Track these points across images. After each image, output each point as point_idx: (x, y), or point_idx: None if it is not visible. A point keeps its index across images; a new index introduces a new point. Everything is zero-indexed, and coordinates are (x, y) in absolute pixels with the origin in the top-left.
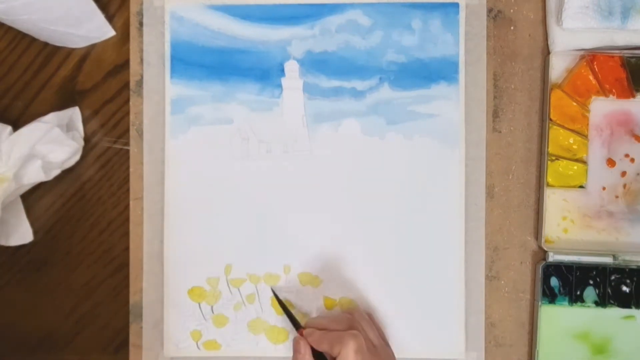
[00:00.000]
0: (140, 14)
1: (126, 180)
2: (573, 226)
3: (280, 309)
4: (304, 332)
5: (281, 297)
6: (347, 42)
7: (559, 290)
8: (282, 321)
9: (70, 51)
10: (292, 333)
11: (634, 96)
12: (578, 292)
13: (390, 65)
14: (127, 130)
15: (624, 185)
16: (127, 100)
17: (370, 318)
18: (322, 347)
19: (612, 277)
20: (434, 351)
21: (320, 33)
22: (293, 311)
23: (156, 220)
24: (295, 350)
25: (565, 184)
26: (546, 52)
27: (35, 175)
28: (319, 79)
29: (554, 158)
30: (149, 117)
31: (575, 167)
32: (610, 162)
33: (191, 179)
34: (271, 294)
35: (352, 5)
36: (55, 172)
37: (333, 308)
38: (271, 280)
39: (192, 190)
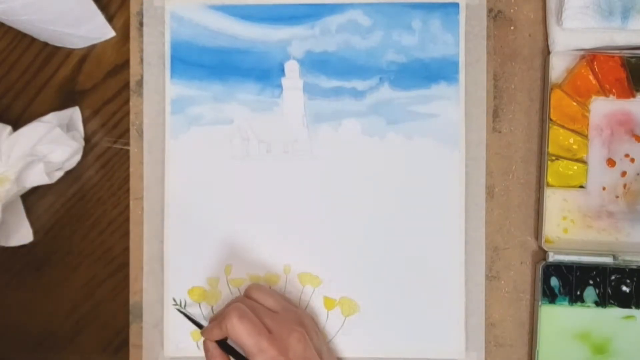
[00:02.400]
0: (140, 14)
1: (126, 180)
2: (573, 226)
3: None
4: (201, 332)
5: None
6: (347, 42)
7: (559, 290)
8: None
9: (70, 51)
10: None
11: (634, 96)
12: (578, 292)
13: (390, 65)
14: (127, 130)
15: (624, 185)
16: (127, 100)
17: (268, 287)
18: (216, 334)
19: (612, 277)
20: (434, 351)
21: (321, 33)
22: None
23: (156, 220)
24: (205, 350)
25: (565, 184)
26: (546, 52)
27: (38, 178)
28: (319, 79)
29: (554, 158)
30: (149, 117)
31: (576, 167)
32: (611, 162)
33: (191, 179)
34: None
35: (352, 5)
36: (59, 174)
37: (333, 308)
38: (271, 280)
39: (192, 190)
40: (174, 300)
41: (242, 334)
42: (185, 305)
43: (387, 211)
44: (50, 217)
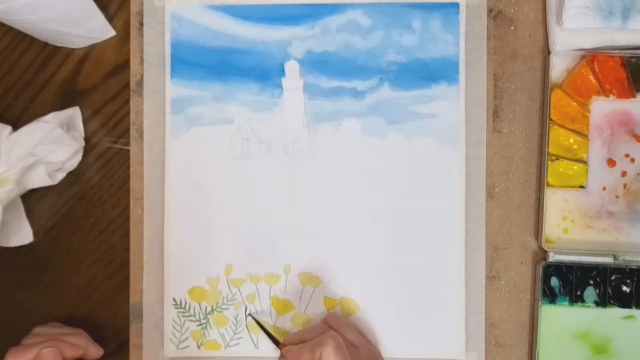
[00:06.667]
0: (140, 14)
1: (126, 180)
2: (573, 226)
3: (282, 309)
4: (282, 350)
5: (283, 295)
6: (347, 42)
7: (559, 290)
8: (281, 321)
9: (70, 51)
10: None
11: (634, 96)
12: (578, 292)
13: (391, 65)
14: (128, 130)
15: (624, 185)
16: (128, 100)
17: (347, 319)
18: (304, 357)
19: (613, 277)
20: (434, 351)
21: (321, 33)
22: (272, 329)
23: (156, 220)
24: None
25: (565, 184)
26: (546, 52)
27: (40, 180)
28: (320, 79)
29: (554, 158)
30: (149, 117)
31: (576, 167)
32: (611, 162)
33: (191, 178)
34: (250, 319)
35: (352, 5)
36: (61, 175)
37: (333, 308)
38: (271, 280)
39: (192, 190)
40: (252, 316)
41: None
42: (186, 305)
43: (387, 211)
44: (50, 218)
